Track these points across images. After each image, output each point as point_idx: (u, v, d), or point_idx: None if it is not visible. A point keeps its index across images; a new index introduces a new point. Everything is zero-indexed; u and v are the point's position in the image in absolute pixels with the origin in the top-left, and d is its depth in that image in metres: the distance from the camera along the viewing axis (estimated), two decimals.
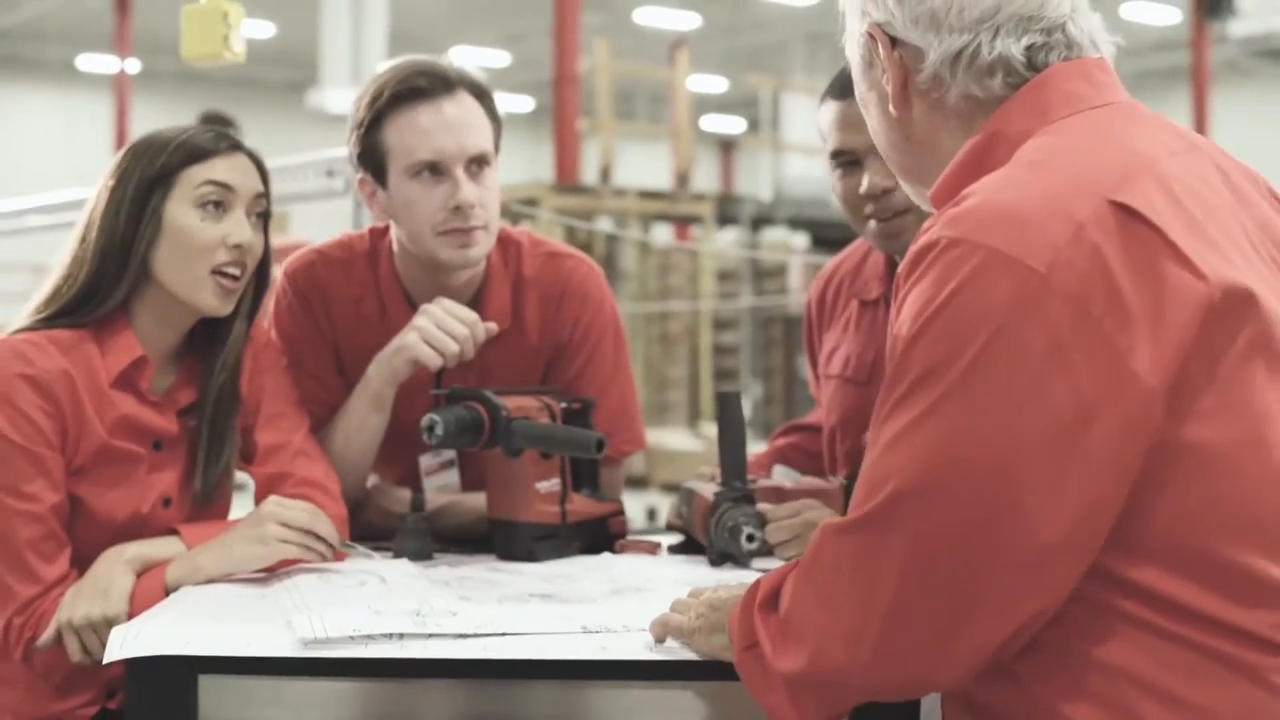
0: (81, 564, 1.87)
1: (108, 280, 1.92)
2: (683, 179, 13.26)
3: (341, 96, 14.18)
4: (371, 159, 2.14)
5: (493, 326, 2.14)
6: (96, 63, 22.66)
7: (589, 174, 13.86)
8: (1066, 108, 1.35)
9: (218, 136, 1.96)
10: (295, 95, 16.48)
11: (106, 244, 1.92)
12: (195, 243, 1.91)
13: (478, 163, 2.13)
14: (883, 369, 2.11)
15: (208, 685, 1.51)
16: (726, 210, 14.22)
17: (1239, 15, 15.01)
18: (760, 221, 14.60)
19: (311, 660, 1.49)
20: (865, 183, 2.05)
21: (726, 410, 2.01)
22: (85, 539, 1.89)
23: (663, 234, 16.23)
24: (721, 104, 26.19)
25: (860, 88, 1.50)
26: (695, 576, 1.90)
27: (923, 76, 1.40)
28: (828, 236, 13.84)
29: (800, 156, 15.26)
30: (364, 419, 2.14)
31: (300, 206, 4.18)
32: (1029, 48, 1.37)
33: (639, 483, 10.11)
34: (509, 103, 25.56)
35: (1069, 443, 1.18)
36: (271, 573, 1.88)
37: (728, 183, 27.63)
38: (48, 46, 21.73)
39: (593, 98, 13.41)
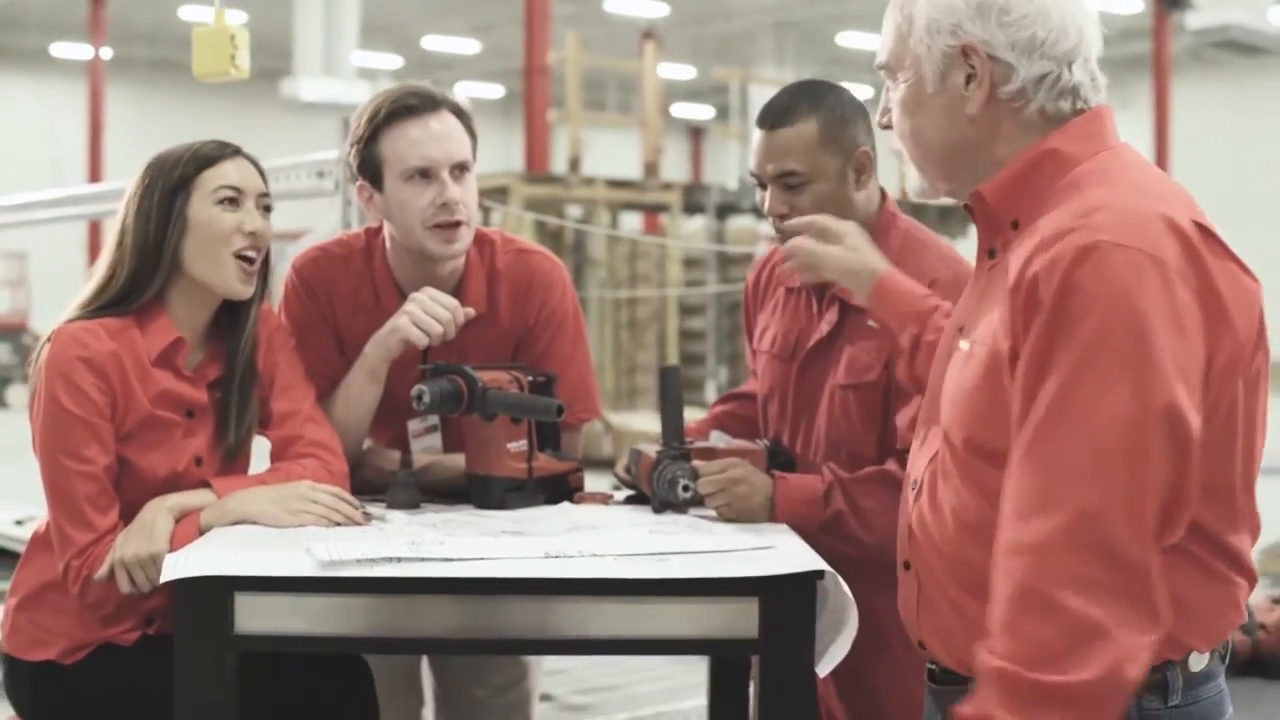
0: (128, 513, 2.20)
1: (145, 275, 2.24)
2: (651, 169, 13.44)
3: (314, 85, 14.08)
4: (369, 167, 2.47)
5: (471, 311, 2.45)
6: (72, 50, 22.71)
7: (559, 163, 14.04)
8: (1105, 140, 1.63)
9: (221, 145, 2.30)
10: (267, 83, 16.57)
11: (141, 245, 2.24)
12: (217, 232, 2.23)
13: (460, 168, 2.46)
14: (803, 347, 2.46)
15: (241, 601, 1.85)
16: (693, 198, 14.33)
17: (1195, 7, 15.34)
18: (726, 209, 14.75)
19: (327, 579, 1.84)
20: (766, 204, 2.40)
21: (666, 382, 2.36)
22: (131, 492, 2.22)
23: (631, 222, 16.38)
24: (690, 91, 26.33)
25: (921, 92, 1.67)
26: (640, 520, 2.23)
27: (1008, 89, 1.62)
28: None
29: None
30: (361, 390, 2.46)
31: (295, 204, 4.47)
32: (1091, 82, 1.64)
33: (607, 464, 10.21)
34: (479, 91, 25.62)
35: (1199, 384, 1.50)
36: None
37: (697, 169, 27.78)
38: (23, 34, 21.76)
39: (562, 86, 13.56)
